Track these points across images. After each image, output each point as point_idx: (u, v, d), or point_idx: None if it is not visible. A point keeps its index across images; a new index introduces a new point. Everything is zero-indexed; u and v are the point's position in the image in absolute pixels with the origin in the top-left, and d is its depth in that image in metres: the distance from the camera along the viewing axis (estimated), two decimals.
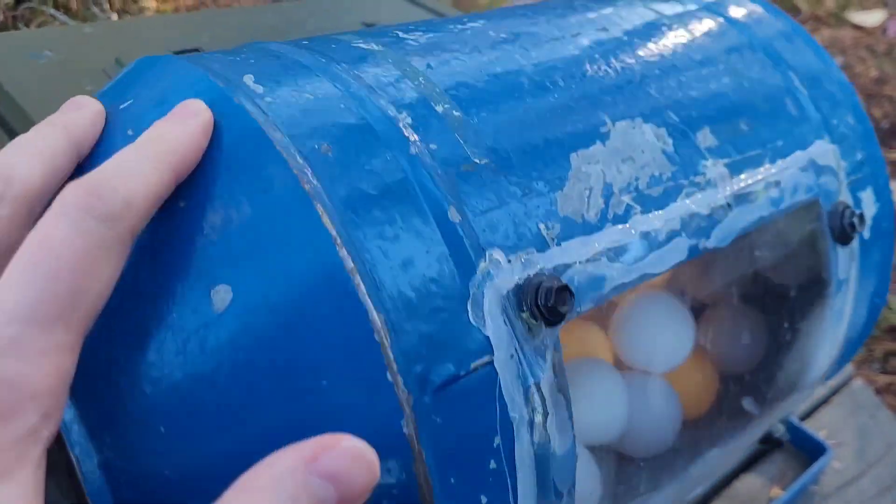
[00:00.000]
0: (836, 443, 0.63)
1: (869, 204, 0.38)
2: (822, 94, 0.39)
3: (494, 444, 0.22)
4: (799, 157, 0.36)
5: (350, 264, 0.21)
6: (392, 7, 0.85)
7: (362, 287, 0.21)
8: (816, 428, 0.64)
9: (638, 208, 0.29)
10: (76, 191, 0.21)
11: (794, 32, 0.42)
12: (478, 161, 0.25)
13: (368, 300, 0.21)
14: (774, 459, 0.60)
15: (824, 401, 0.69)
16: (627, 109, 0.31)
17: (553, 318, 0.23)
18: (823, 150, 0.37)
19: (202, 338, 0.23)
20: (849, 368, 0.74)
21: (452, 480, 0.21)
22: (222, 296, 0.23)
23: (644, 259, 0.28)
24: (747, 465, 0.59)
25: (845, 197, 0.37)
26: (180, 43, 0.66)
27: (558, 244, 0.25)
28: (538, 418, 0.22)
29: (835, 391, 0.70)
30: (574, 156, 0.28)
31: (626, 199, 0.28)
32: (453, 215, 0.23)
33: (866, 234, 0.38)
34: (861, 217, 0.37)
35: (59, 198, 0.21)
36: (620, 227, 0.28)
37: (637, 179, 0.29)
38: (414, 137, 0.25)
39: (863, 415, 0.69)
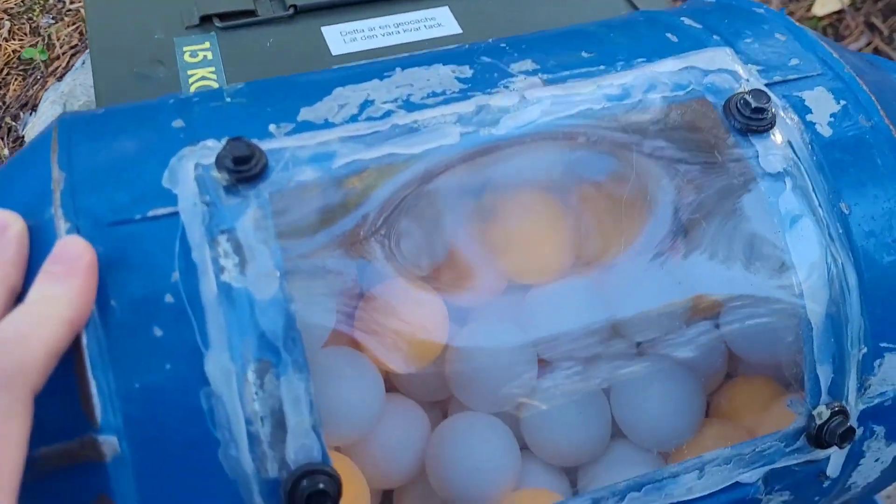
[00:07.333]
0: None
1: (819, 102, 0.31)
2: (723, 23, 0.35)
3: (172, 280, 0.24)
4: (665, 63, 0.32)
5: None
6: None
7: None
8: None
9: (402, 112, 0.29)
10: None
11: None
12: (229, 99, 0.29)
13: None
14: None
15: None
16: (423, 59, 0.32)
17: (241, 177, 0.25)
18: (710, 56, 0.32)
19: None
20: None
21: (114, 304, 0.23)
22: None
23: (393, 139, 0.28)
24: None
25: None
26: None
27: (286, 135, 0.27)
28: (228, 263, 0.24)
29: None
30: (339, 88, 0.29)
31: (389, 106, 0.29)
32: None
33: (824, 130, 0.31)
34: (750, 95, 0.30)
35: None
36: (369, 122, 0.28)
37: (409, 95, 0.29)
38: None
39: None
